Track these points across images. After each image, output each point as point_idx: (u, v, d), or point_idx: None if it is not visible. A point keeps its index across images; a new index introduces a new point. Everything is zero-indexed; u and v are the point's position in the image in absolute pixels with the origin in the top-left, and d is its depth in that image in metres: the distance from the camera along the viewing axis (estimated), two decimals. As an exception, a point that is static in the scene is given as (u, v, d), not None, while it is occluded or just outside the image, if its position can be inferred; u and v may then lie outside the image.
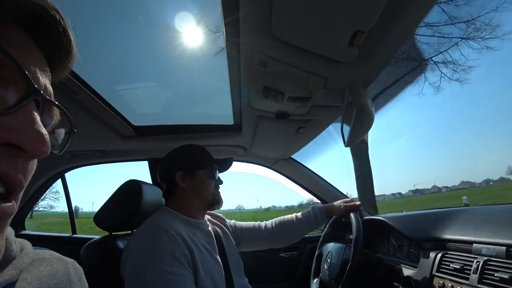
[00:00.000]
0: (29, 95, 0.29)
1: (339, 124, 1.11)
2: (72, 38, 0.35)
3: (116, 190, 1.20)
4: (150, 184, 1.30)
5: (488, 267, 0.78)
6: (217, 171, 1.16)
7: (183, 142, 1.54)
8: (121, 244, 1.14)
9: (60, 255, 0.47)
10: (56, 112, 0.36)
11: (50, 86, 0.35)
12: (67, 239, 2.04)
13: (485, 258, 0.81)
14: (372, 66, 0.87)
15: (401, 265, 1.13)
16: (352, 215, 1.17)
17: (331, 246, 1.25)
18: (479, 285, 0.77)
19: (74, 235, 2.05)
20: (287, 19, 0.70)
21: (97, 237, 1.19)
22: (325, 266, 1.22)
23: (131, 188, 1.19)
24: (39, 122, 0.30)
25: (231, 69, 0.98)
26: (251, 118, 1.28)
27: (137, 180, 1.23)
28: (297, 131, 1.35)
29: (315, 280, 1.29)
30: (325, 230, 1.39)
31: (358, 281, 1.10)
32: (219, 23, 0.82)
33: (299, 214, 1.37)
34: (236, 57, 0.90)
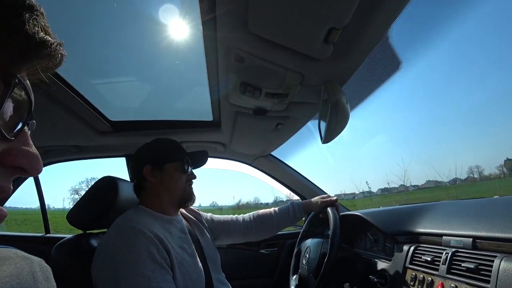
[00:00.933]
0: (29, 118, 0.32)
1: (317, 121, 1.12)
2: (63, 58, 0.36)
3: (91, 186, 1.17)
4: (127, 180, 1.28)
5: (456, 258, 0.81)
6: (189, 165, 1.11)
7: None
8: (94, 243, 1.11)
9: (25, 254, 0.45)
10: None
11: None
12: (39, 239, 1.96)
13: (453, 249, 0.84)
14: (347, 64, 0.88)
15: (377, 258, 1.16)
16: (329, 209, 1.19)
17: (309, 241, 1.27)
18: (447, 275, 0.80)
19: (48, 235, 1.98)
20: (263, 14, 0.70)
21: (70, 236, 1.16)
22: (304, 261, 1.23)
23: (106, 184, 1.16)
24: (32, 143, 0.32)
25: (209, 65, 0.97)
26: (229, 114, 1.27)
27: (112, 177, 1.19)
28: (276, 128, 1.36)
29: (294, 276, 1.30)
30: (303, 227, 1.41)
31: (336, 275, 1.12)
32: (196, 18, 0.81)
33: (277, 208, 1.38)
34: (213, 52, 0.89)
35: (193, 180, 1.14)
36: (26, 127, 0.32)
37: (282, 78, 0.92)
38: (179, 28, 0.94)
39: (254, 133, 1.47)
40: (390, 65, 1.02)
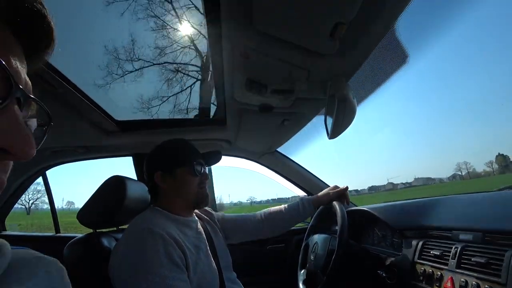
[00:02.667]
0: (11, 93, 0.27)
1: (323, 117, 1.12)
2: (53, 27, 0.33)
3: (100, 186, 1.18)
4: (135, 180, 1.29)
5: (466, 252, 0.81)
6: (201, 167, 1.08)
7: (167, 137, 1.51)
8: (105, 242, 1.12)
9: (41, 254, 0.45)
10: (34, 107, 0.34)
11: (28, 80, 0.33)
12: (50, 238, 1.99)
13: (463, 244, 0.83)
14: (353, 59, 0.88)
15: (385, 254, 1.16)
16: (336, 205, 1.19)
17: (317, 237, 1.27)
18: (457, 270, 0.80)
19: (58, 234, 2.01)
20: (268, 10, 0.70)
21: (81, 235, 1.17)
22: (312, 257, 1.23)
23: (115, 184, 1.17)
24: (23, 123, 0.28)
25: (214, 62, 0.97)
26: (235, 111, 1.27)
27: (121, 176, 1.20)
28: (282, 124, 1.36)
29: (302, 271, 1.31)
30: (311, 222, 1.41)
31: (344, 271, 1.12)
32: (201, 15, 0.81)
33: (287, 205, 1.38)
34: (218, 49, 0.89)
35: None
36: (16, 105, 0.28)
37: (287, 74, 0.92)
38: (184, 26, 0.94)
39: (260, 129, 1.47)
40: (397, 58, 1.01)
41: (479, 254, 0.77)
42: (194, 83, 1.31)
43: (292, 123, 1.35)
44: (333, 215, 1.23)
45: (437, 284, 0.85)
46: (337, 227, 1.11)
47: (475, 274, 0.74)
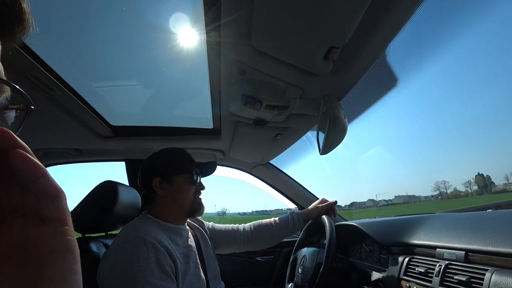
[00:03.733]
0: None
1: (315, 132, 1.15)
2: (24, 3, 0.29)
3: (91, 191, 1.18)
4: (127, 185, 1.29)
5: (449, 270, 0.84)
6: (198, 176, 1.11)
7: (161, 144, 1.53)
8: (94, 247, 1.11)
9: None
10: (5, 89, 0.29)
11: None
12: None
13: (447, 262, 0.86)
14: (346, 80, 0.91)
15: (372, 269, 1.17)
16: (325, 219, 1.21)
17: (305, 250, 1.29)
18: (440, 287, 0.82)
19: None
20: (267, 32, 0.73)
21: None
22: (299, 270, 1.25)
23: (106, 188, 1.18)
24: None
25: (212, 75, 1.00)
26: (230, 123, 1.29)
27: (113, 181, 1.21)
28: (275, 138, 1.38)
29: (290, 284, 1.32)
30: (300, 236, 1.43)
31: (331, 285, 1.13)
32: (202, 30, 0.83)
33: (277, 218, 1.40)
34: (217, 64, 0.92)
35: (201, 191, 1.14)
36: None
37: (282, 91, 0.95)
38: (185, 39, 0.96)
39: (254, 142, 1.50)
40: (387, 81, 1.05)
41: (462, 272, 0.79)
42: (191, 93, 1.32)
43: (285, 137, 1.38)
44: (321, 230, 1.25)
45: None
46: (325, 241, 1.13)
47: None
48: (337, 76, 0.88)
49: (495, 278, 0.70)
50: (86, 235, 1.17)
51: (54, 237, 0.22)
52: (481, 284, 0.72)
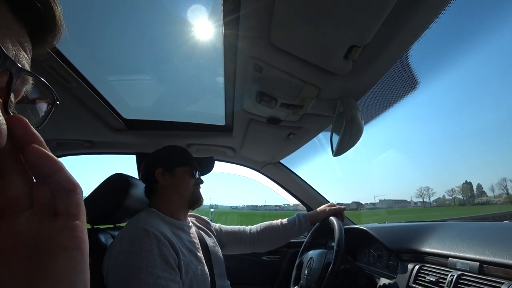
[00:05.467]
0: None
1: (328, 133, 1.13)
2: (57, 12, 0.31)
3: (102, 182, 1.19)
4: (137, 179, 1.30)
5: (462, 281, 0.81)
6: (197, 171, 1.19)
7: (173, 139, 1.53)
8: (102, 238, 1.13)
9: None
10: (28, 81, 0.30)
11: (27, 59, 0.30)
12: None
13: (459, 272, 0.84)
14: (365, 80, 0.89)
15: (380, 275, 1.15)
16: (333, 219, 1.20)
17: (312, 252, 1.27)
18: None
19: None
20: (286, 29, 0.72)
21: None
22: (306, 272, 1.23)
23: (118, 181, 1.19)
24: None
25: (227, 71, 0.99)
26: (242, 120, 1.29)
27: (124, 174, 1.22)
28: (287, 137, 1.37)
29: (295, 287, 1.30)
30: (306, 239, 1.41)
31: (338, 287, 1.12)
32: (219, 24, 0.83)
33: (284, 220, 1.41)
34: (232, 60, 0.91)
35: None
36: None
37: (298, 90, 0.93)
38: (201, 33, 0.96)
39: (265, 140, 1.49)
40: (407, 84, 1.03)
41: (475, 284, 0.77)
42: (204, 89, 1.32)
43: (297, 137, 1.37)
44: (328, 232, 1.23)
45: None
46: (333, 243, 1.11)
47: None
48: (356, 76, 0.87)
49: None
50: (95, 226, 1.19)
51: (63, 232, 0.22)
52: None
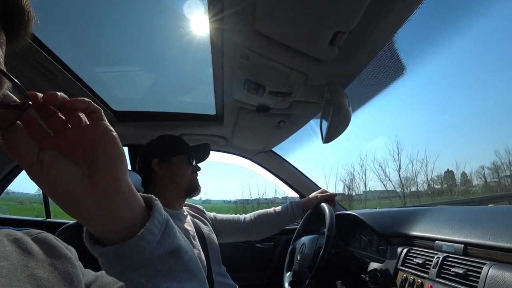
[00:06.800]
0: None
1: (318, 121, 1.14)
2: (24, 5, 0.32)
3: None
4: (130, 170, 1.30)
5: (447, 262, 0.83)
6: (193, 158, 1.18)
7: (164, 129, 1.53)
8: None
9: (18, 233, 0.45)
10: (6, 81, 0.31)
11: (2, 55, 0.32)
12: (40, 223, 1.99)
13: (445, 254, 0.85)
14: (351, 67, 0.89)
15: (370, 258, 1.18)
16: (324, 205, 1.22)
17: (304, 238, 1.29)
18: (437, 279, 0.82)
19: (49, 219, 2.01)
20: (271, 15, 0.71)
21: (73, 221, 1.18)
22: (298, 257, 1.26)
23: None
24: None
25: (215, 60, 0.98)
26: (232, 109, 1.29)
27: None
28: (278, 125, 1.37)
29: (288, 273, 1.33)
30: (299, 225, 1.43)
31: (329, 271, 1.15)
32: (205, 13, 0.82)
33: (278, 208, 1.43)
34: (219, 48, 0.90)
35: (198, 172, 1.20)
36: None
37: (286, 77, 0.93)
38: (187, 23, 0.95)
39: (256, 129, 1.49)
40: (394, 70, 1.03)
41: (459, 265, 0.79)
42: (194, 78, 1.31)
43: (288, 124, 1.37)
44: (321, 219, 1.25)
45: None
46: (325, 229, 1.13)
47: (453, 284, 0.76)
48: (342, 63, 0.86)
49: (492, 272, 0.69)
50: None
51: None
52: (478, 278, 0.71)
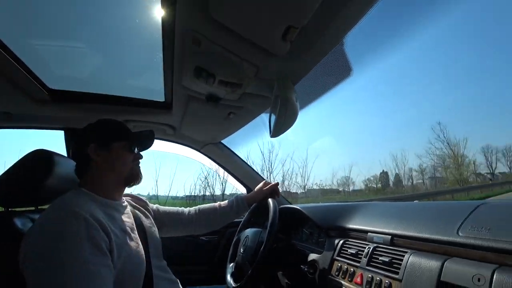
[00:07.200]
0: None
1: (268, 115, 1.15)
2: None
3: (21, 159, 1.05)
4: (64, 156, 1.18)
5: (376, 252, 0.92)
6: (135, 146, 1.09)
7: (106, 114, 1.42)
8: (19, 223, 0.99)
9: None
10: None
11: None
12: None
13: (375, 244, 0.94)
14: (302, 64, 0.92)
15: (310, 250, 1.24)
16: (270, 201, 1.24)
17: (248, 231, 1.31)
18: (367, 267, 0.90)
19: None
20: (226, 1, 0.69)
21: None
22: (241, 249, 1.27)
23: (38, 158, 1.06)
24: None
25: (166, 44, 0.93)
26: (182, 97, 1.24)
27: (46, 150, 1.09)
28: (228, 117, 1.36)
29: (231, 264, 1.34)
30: (244, 218, 1.45)
31: (270, 263, 1.18)
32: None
33: (223, 202, 1.40)
34: (171, 32, 0.86)
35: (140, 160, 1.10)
36: None
37: (237, 67, 0.93)
38: (139, 3, 0.89)
39: (206, 119, 1.46)
40: (342, 71, 1.08)
41: (386, 254, 0.88)
42: (143, 62, 1.24)
43: (238, 116, 1.37)
44: (266, 212, 1.28)
45: (349, 279, 0.95)
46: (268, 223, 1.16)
47: (380, 271, 0.85)
48: (293, 59, 0.88)
49: (412, 259, 0.78)
50: (10, 209, 1.05)
51: None
52: (400, 265, 0.80)
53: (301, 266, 1.17)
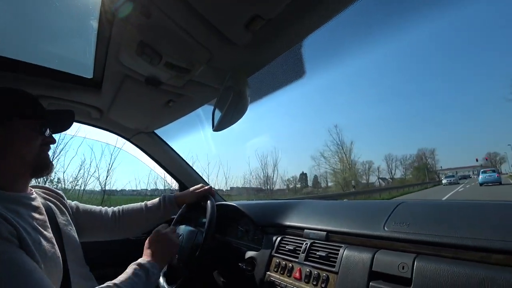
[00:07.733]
0: None
1: (211, 108, 1.09)
2: None
3: None
4: None
5: (313, 247, 0.97)
6: (48, 127, 0.89)
7: (15, 84, 1.13)
8: None
9: None
10: None
11: None
12: None
13: (312, 240, 0.99)
14: (260, 57, 0.89)
15: (247, 247, 1.23)
16: (208, 202, 1.16)
17: (183, 228, 1.22)
18: (305, 262, 0.94)
19: None
20: None
21: None
22: None
23: None
24: None
25: (105, 8, 0.79)
26: (115, 75, 1.08)
27: None
28: (167, 104, 1.24)
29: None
30: (180, 211, 1.33)
31: (206, 264, 1.14)
32: None
33: (149, 202, 1.26)
34: (114, -5, 0.73)
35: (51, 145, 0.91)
36: None
37: (189, 50, 0.84)
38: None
39: (141, 105, 1.30)
40: (295, 71, 1.09)
41: (322, 249, 0.93)
42: (73, 27, 1.03)
43: (178, 105, 1.26)
44: (201, 211, 1.21)
45: (288, 274, 0.97)
46: (204, 220, 1.10)
47: (318, 265, 0.90)
48: (252, 51, 0.85)
49: (346, 252, 0.85)
50: None
51: None
52: (336, 258, 0.86)
53: (239, 264, 1.15)
